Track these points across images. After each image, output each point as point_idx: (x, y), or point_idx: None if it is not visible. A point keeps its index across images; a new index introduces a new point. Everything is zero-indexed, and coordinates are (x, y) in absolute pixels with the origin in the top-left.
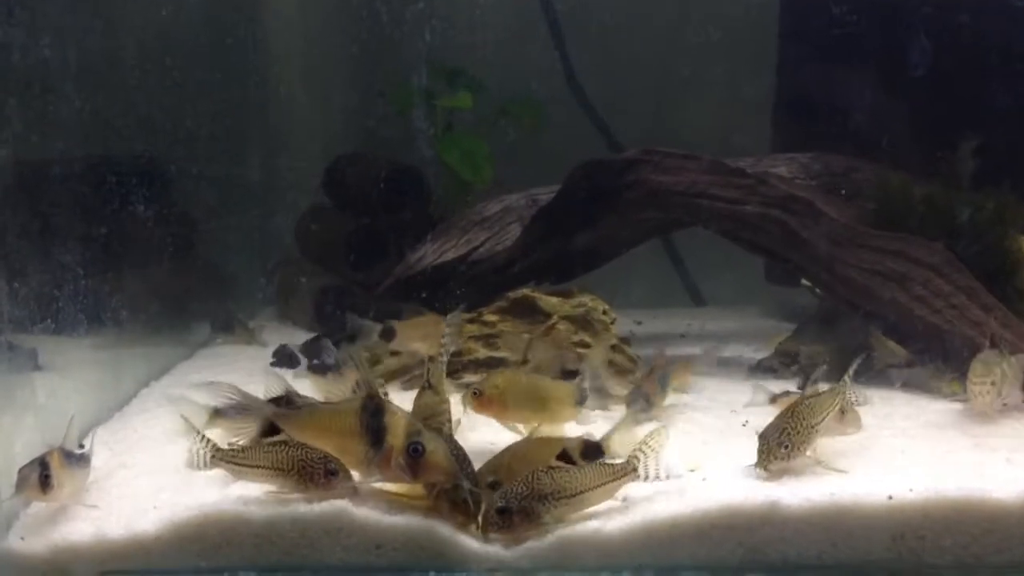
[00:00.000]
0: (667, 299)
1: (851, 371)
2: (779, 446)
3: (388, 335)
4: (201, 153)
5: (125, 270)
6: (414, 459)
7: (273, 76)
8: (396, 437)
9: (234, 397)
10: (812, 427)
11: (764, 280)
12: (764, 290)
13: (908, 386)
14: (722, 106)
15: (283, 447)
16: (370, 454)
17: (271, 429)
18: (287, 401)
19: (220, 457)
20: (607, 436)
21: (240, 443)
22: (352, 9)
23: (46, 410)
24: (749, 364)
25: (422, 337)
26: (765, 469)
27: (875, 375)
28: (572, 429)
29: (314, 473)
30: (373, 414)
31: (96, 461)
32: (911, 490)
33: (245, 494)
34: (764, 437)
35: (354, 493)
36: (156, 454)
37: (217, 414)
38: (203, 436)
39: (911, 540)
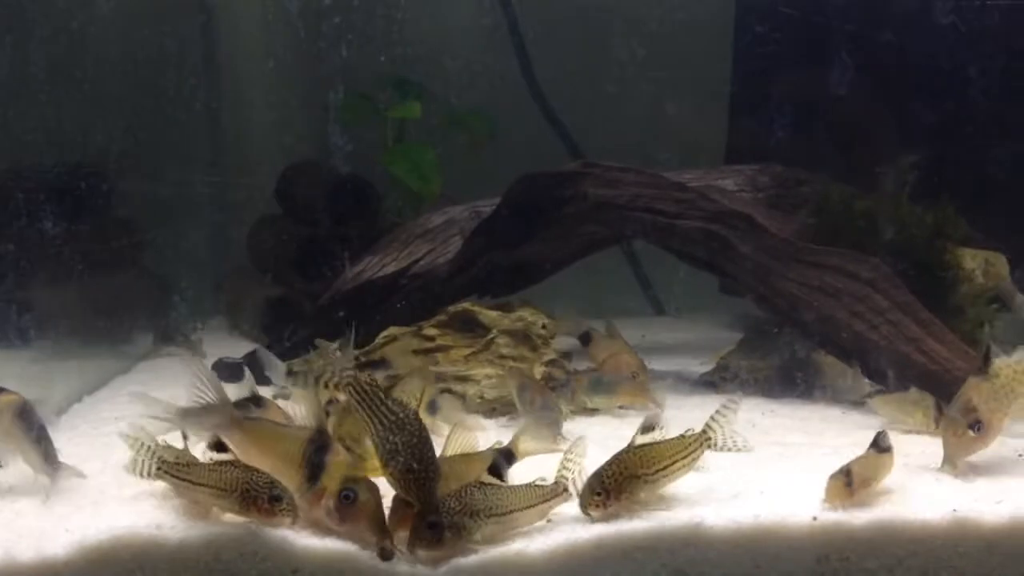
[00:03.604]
0: (630, 308)
1: (716, 418)
2: (592, 493)
3: (585, 340)
4: (147, 163)
5: (54, 282)
6: (344, 505)
7: (225, 86)
8: (332, 480)
9: (202, 390)
10: (636, 477)
11: (719, 291)
12: (724, 301)
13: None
14: (680, 113)
15: (229, 467)
16: (303, 488)
17: (219, 445)
18: (256, 400)
19: (165, 470)
20: (515, 439)
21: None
22: (307, 19)
23: None
24: (691, 378)
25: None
26: (587, 514)
27: (805, 391)
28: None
29: (258, 497)
30: (317, 450)
31: (9, 479)
32: (836, 510)
33: (159, 517)
34: (586, 483)
35: (295, 520)
36: (74, 473)
37: (185, 414)
38: (151, 446)
39: (835, 562)
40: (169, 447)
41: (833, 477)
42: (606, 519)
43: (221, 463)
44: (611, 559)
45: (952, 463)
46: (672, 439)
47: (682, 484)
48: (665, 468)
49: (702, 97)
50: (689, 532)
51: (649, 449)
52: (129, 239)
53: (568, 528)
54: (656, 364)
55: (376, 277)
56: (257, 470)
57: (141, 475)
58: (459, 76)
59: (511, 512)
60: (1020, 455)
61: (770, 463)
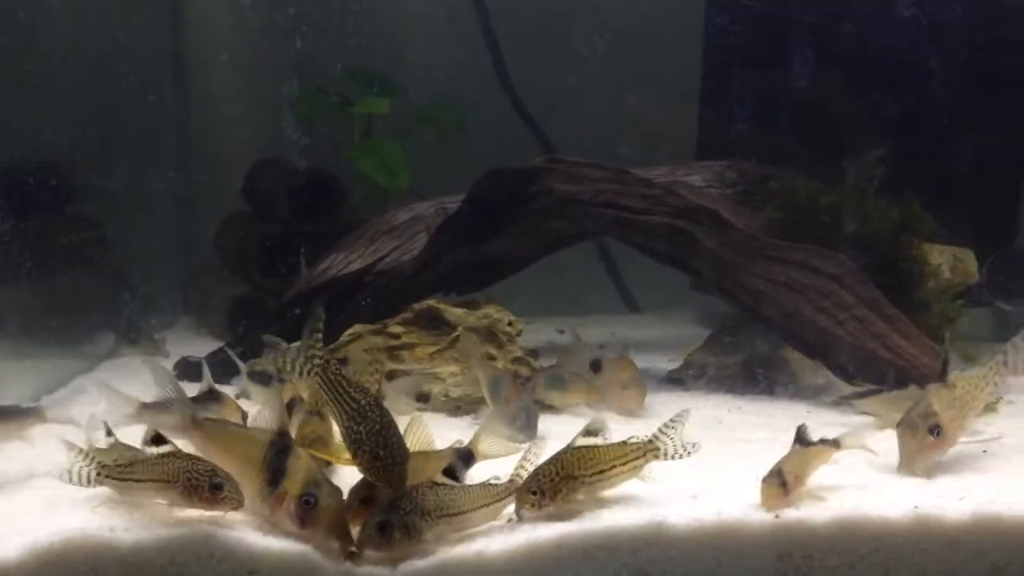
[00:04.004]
0: (604, 306)
1: (664, 430)
2: (527, 492)
3: (596, 368)
4: (115, 161)
5: (3, 280)
6: (305, 510)
7: (191, 82)
8: (294, 484)
9: (162, 389)
10: (572, 478)
11: (690, 289)
12: (696, 298)
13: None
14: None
15: (170, 459)
16: (265, 491)
17: (157, 438)
18: (213, 395)
19: (107, 474)
20: (474, 439)
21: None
22: (277, 12)
23: None
24: (659, 375)
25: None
26: (518, 516)
27: (769, 387)
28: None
29: (199, 486)
30: (278, 453)
31: None
32: (797, 508)
33: (112, 519)
34: (523, 482)
35: (240, 507)
36: (29, 473)
37: (145, 408)
38: (88, 452)
39: (798, 559)
40: (103, 450)
41: (765, 481)
42: (564, 518)
43: (162, 456)
44: (572, 559)
45: (910, 467)
46: (615, 444)
47: (644, 482)
48: (603, 472)
49: (672, 91)
50: (651, 531)
51: (588, 451)
52: (86, 235)
53: (529, 528)
54: None
55: (341, 274)
56: (199, 459)
57: (82, 484)
58: (423, 69)
59: (463, 512)
60: (985, 451)
61: (735, 460)
